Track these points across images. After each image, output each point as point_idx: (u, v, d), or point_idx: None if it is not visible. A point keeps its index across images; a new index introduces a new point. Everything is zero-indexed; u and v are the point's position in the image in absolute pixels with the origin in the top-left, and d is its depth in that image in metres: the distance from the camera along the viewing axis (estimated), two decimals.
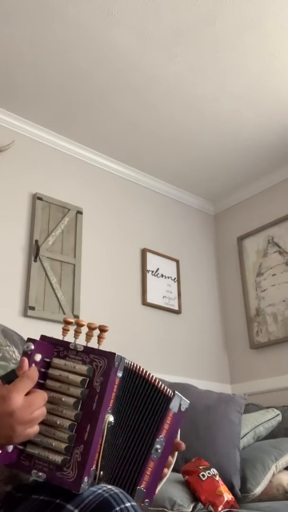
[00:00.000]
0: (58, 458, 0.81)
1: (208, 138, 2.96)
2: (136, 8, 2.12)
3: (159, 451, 0.92)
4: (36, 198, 2.68)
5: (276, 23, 2.20)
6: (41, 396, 0.80)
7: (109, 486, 0.81)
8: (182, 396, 0.96)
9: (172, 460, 0.96)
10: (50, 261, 2.60)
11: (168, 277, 3.16)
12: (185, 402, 0.97)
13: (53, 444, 0.82)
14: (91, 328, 0.90)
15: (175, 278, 3.19)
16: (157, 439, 0.91)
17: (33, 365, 0.84)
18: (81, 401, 0.83)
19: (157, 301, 3.02)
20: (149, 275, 3.05)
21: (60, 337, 0.90)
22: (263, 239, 3.29)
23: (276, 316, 3.05)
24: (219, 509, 1.67)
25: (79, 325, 0.91)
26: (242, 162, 3.20)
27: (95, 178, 3.06)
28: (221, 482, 1.77)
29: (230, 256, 3.50)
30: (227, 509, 1.69)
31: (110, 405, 0.85)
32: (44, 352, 0.86)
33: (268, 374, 2.99)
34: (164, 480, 0.95)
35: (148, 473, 0.90)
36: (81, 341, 0.88)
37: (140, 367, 0.94)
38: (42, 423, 0.82)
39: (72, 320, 0.92)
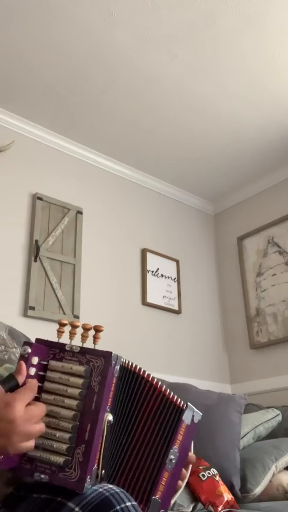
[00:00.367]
0: (60, 459, 0.81)
1: (208, 138, 2.96)
2: (136, 8, 2.12)
3: (173, 461, 0.92)
4: (36, 198, 2.68)
5: (276, 23, 2.20)
6: (40, 409, 0.81)
7: (110, 485, 0.81)
8: (195, 408, 0.96)
9: (186, 473, 0.96)
10: (50, 261, 2.60)
11: (168, 277, 3.16)
12: (198, 414, 0.97)
13: (54, 446, 0.82)
14: (86, 328, 0.90)
15: (175, 278, 3.19)
16: (171, 450, 0.92)
17: (33, 369, 0.84)
18: (80, 402, 0.83)
19: (157, 301, 3.02)
20: (149, 275, 3.05)
21: (56, 338, 0.90)
22: (263, 239, 3.29)
23: (276, 316, 3.05)
24: (219, 509, 1.67)
25: (74, 326, 0.91)
26: (242, 162, 3.20)
27: (95, 178, 3.06)
28: (221, 482, 1.77)
29: (230, 256, 3.50)
30: (227, 509, 1.69)
31: (109, 404, 0.85)
32: (41, 355, 0.87)
33: (268, 374, 2.99)
34: (179, 493, 0.95)
35: (163, 483, 0.91)
36: (77, 342, 0.89)
37: (137, 366, 0.94)
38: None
39: (66, 321, 0.92)
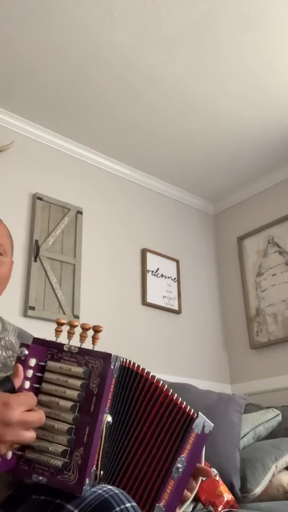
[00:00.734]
0: (58, 462, 0.80)
1: (208, 138, 2.96)
2: (136, 8, 2.12)
3: (180, 470, 0.90)
4: (36, 198, 2.68)
5: (276, 23, 2.20)
6: (39, 416, 0.78)
7: (109, 487, 0.80)
8: (206, 418, 0.95)
9: (196, 485, 0.95)
10: (50, 261, 2.60)
11: (168, 277, 3.16)
12: (209, 425, 0.95)
13: (52, 449, 0.81)
14: (84, 328, 0.88)
15: (175, 278, 3.19)
16: (179, 458, 0.90)
17: (30, 372, 0.83)
18: (78, 404, 0.82)
19: (157, 301, 3.02)
20: (149, 275, 3.05)
21: (54, 338, 0.89)
22: (263, 239, 3.29)
23: (276, 316, 3.05)
24: (219, 509, 1.67)
25: (72, 326, 0.89)
26: (242, 162, 3.20)
27: (95, 178, 3.06)
28: (221, 482, 1.77)
29: (230, 256, 3.50)
30: (227, 509, 1.69)
31: (108, 405, 0.84)
32: (39, 355, 0.85)
33: (268, 374, 2.99)
34: (187, 504, 0.93)
35: (168, 492, 0.89)
36: (75, 342, 0.87)
37: (138, 365, 0.93)
38: (41, 427, 0.81)
39: (64, 321, 0.91)
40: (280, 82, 2.54)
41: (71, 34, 2.24)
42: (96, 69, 2.44)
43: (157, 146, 3.03)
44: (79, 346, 0.87)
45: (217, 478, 1.77)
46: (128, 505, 0.77)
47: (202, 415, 0.94)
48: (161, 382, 0.94)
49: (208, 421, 0.95)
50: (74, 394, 0.83)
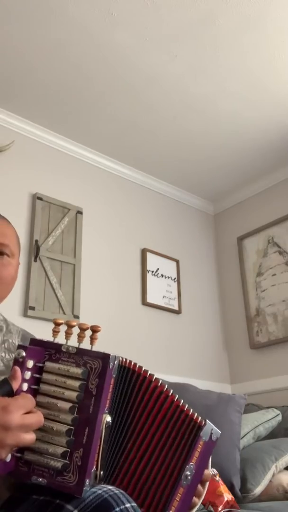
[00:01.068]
0: (58, 464, 0.80)
1: (208, 138, 2.96)
2: (136, 8, 2.12)
3: (189, 477, 0.90)
4: (36, 198, 2.68)
5: (276, 23, 2.20)
6: (38, 419, 0.78)
7: (109, 487, 0.80)
8: (213, 426, 0.95)
9: (203, 490, 0.95)
10: (50, 261, 2.60)
11: (168, 277, 3.16)
12: (217, 432, 0.95)
13: (52, 450, 0.81)
14: (82, 329, 0.87)
15: (175, 278, 3.19)
16: (188, 466, 0.89)
17: (28, 373, 0.82)
18: (77, 405, 0.82)
19: (157, 301, 3.02)
20: (149, 275, 3.05)
21: (52, 338, 0.88)
22: (263, 239, 3.28)
23: (276, 316, 3.05)
24: (219, 509, 1.67)
25: (70, 326, 0.89)
26: (242, 162, 3.20)
27: (95, 178, 3.06)
28: (221, 482, 1.77)
29: (230, 256, 3.50)
30: (227, 509, 1.69)
31: (107, 405, 0.84)
32: (36, 357, 0.85)
33: (268, 374, 2.99)
34: (195, 510, 0.93)
35: (178, 499, 0.88)
36: (73, 342, 0.87)
37: (137, 364, 0.93)
38: (39, 429, 0.81)
39: (62, 320, 0.90)
40: (280, 82, 2.54)
41: (71, 34, 2.24)
42: (96, 69, 2.44)
43: (157, 146, 3.03)
44: (77, 346, 0.86)
45: (217, 478, 1.77)
46: (128, 505, 0.77)
47: (210, 422, 0.94)
48: (161, 381, 0.93)
49: (216, 428, 0.95)
50: (73, 395, 0.82)
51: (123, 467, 0.90)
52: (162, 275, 3.13)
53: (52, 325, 0.91)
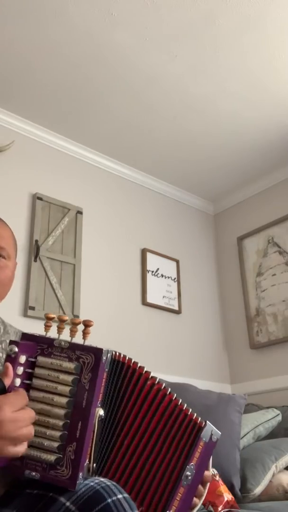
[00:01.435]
0: (51, 457, 0.80)
1: (208, 138, 2.96)
2: (136, 8, 2.12)
3: (190, 478, 0.91)
4: (36, 198, 2.68)
5: (276, 23, 2.20)
6: (29, 414, 0.78)
7: (102, 479, 0.81)
8: (213, 427, 0.95)
9: (204, 491, 0.95)
10: (50, 261, 2.60)
11: (168, 277, 3.16)
12: (217, 433, 0.96)
13: (45, 444, 0.81)
14: (74, 323, 0.88)
15: (175, 278, 3.19)
16: (188, 466, 0.90)
17: (20, 369, 0.82)
18: (70, 399, 0.82)
19: (157, 301, 3.02)
20: (149, 275, 3.05)
21: (44, 333, 0.89)
22: (263, 239, 3.28)
23: (276, 316, 3.05)
24: (219, 509, 1.67)
25: (62, 320, 0.89)
26: (242, 162, 3.20)
27: (95, 178, 3.06)
28: (221, 482, 1.77)
29: (230, 256, 3.50)
30: (227, 509, 1.69)
31: (100, 399, 0.85)
32: (29, 351, 0.85)
33: (268, 374, 2.99)
34: (195, 510, 0.94)
35: (178, 499, 0.89)
36: (65, 337, 0.87)
37: (130, 358, 0.93)
38: (33, 423, 0.81)
39: (54, 315, 0.90)
40: (280, 82, 2.54)
41: (70, 34, 2.24)
42: (96, 69, 2.44)
43: (157, 146, 3.03)
44: (69, 341, 0.86)
45: (217, 478, 1.77)
46: (120, 496, 0.77)
47: (210, 423, 0.94)
48: (158, 379, 0.94)
49: (216, 429, 0.95)
50: (66, 389, 0.83)
51: (115, 461, 0.90)
52: (162, 275, 3.13)
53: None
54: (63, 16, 2.15)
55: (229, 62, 2.41)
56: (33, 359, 0.85)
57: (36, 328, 2.37)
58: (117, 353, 0.91)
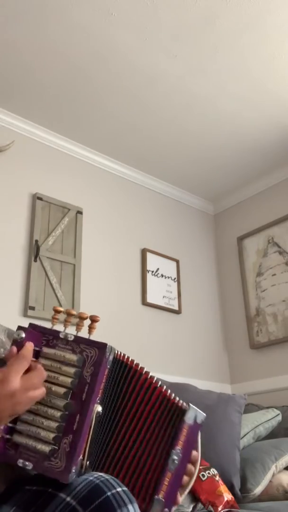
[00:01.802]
0: (46, 448, 0.80)
1: (208, 138, 2.96)
2: (136, 8, 2.12)
3: (176, 462, 0.92)
4: (36, 198, 2.68)
5: (276, 23, 2.20)
6: (39, 375, 0.80)
7: (100, 473, 0.81)
8: (198, 409, 0.96)
9: (194, 469, 0.96)
10: (50, 261, 2.60)
11: (168, 277, 3.16)
12: (201, 415, 0.96)
13: (41, 434, 0.81)
14: (82, 318, 0.89)
15: (175, 278, 3.19)
16: (174, 451, 0.92)
17: (27, 344, 0.83)
18: (70, 391, 0.82)
19: (157, 301, 3.02)
20: (149, 275, 3.05)
21: (50, 325, 0.90)
22: (263, 239, 3.29)
23: (276, 316, 3.05)
24: (219, 509, 1.67)
25: (70, 314, 0.90)
26: (242, 162, 3.20)
27: (95, 178, 3.06)
28: (221, 482, 1.77)
29: (230, 256, 3.50)
30: (227, 509, 1.69)
31: (99, 395, 0.85)
32: (34, 340, 0.85)
33: (268, 374, 2.99)
34: (188, 489, 0.95)
35: (166, 483, 0.91)
36: (72, 331, 0.88)
37: (131, 358, 0.94)
38: (30, 412, 0.82)
39: (62, 309, 0.91)
40: (280, 82, 2.54)
41: (70, 34, 2.24)
42: (96, 69, 2.44)
43: (157, 146, 3.03)
44: (75, 334, 0.87)
45: (217, 478, 1.77)
46: (119, 489, 0.78)
47: (193, 406, 0.95)
48: (155, 378, 0.94)
49: (200, 411, 0.96)
50: (67, 380, 0.83)
51: (109, 455, 0.91)
52: (162, 275, 3.13)
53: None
54: (62, 16, 2.15)
55: (229, 62, 2.41)
56: (37, 349, 0.86)
57: None
58: (120, 353, 0.92)
